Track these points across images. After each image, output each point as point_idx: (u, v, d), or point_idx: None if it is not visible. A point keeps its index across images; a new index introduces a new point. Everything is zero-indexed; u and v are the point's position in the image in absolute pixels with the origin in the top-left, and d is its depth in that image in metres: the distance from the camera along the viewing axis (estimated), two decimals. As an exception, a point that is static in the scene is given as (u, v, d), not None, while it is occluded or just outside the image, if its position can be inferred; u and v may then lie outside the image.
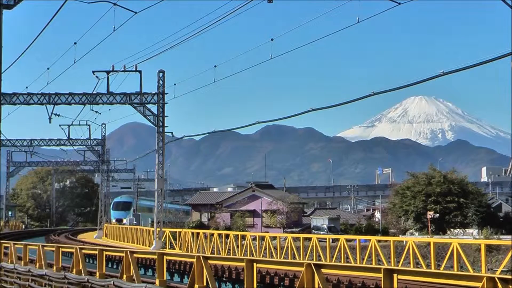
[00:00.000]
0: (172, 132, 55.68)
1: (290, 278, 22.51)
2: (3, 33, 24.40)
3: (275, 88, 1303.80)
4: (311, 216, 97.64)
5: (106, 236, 71.82)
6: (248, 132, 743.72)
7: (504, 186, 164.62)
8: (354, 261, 32.34)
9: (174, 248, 48.79)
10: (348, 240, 35.03)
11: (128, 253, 20.87)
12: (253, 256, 37.47)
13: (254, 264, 15.87)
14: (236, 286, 24.43)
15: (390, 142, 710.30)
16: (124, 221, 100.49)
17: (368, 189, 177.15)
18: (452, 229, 72.31)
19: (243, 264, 15.98)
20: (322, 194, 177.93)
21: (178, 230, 53.76)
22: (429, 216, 69.28)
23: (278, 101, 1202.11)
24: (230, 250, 41.20)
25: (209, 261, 17.45)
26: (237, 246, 41.00)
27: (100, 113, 58.53)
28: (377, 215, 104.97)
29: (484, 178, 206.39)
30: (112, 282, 19.27)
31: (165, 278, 19.59)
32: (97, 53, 47.32)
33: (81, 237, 72.64)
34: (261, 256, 37.14)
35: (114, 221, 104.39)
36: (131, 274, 20.51)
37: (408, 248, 30.44)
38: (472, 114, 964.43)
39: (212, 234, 46.45)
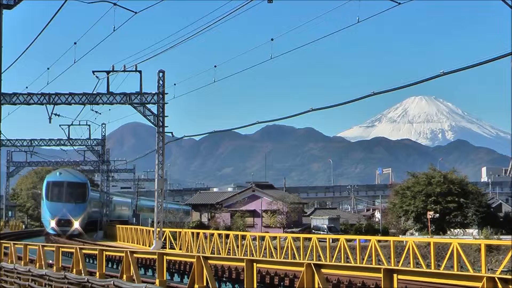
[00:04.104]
0: (172, 132, 55.68)
1: (290, 278, 22.50)
2: (3, 33, 24.40)
3: (275, 88, 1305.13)
4: (311, 216, 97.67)
5: (106, 237, 71.80)
6: (248, 132, 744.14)
7: (504, 186, 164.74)
8: (354, 261, 32.33)
9: (174, 248, 48.77)
10: (348, 240, 35.02)
11: (128, 253, 20.87)
12: (253, 256, 37.47)
13: (254, 264, 15.86)
14: (236, 286, 24.43)
15: (390, 142, 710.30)
16: (75, 225, 61.06)
17: (368, 189, 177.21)
18: (452, 229, 72.29)
19: (243, 264, 15.97)
20: (322, 194, 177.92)
21: (178, 230, 53.73)
22: (429, 216, 69.25)
23: (278, 101, 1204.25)
24: (230, 250, 41.20)
25: (209, 261, 17.44)
26: (237, 246, 41.00)
27: (100, 113, 58.52)
28: (377, 215, 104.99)
29: (484, 178, 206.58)
30: (112, 282, 19.26)
31: (165, 278, 19.58)
32: (97, 53, 47.34)
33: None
34: (261, 256, 37.14)
35: (51, 226, 62.00)
36: (131, 274, 20.50)
37: (408, 248, 30.43)
38: (472, 114, 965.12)
39: (212, 234, 46.44)
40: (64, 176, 63.49)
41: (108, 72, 50.30)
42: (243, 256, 35.36)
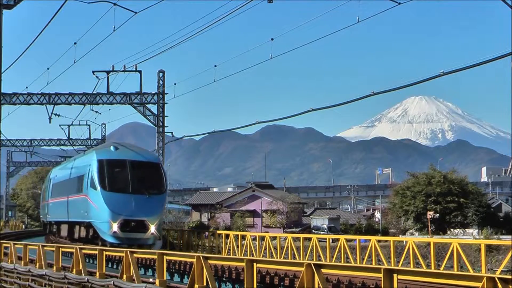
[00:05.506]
0: (172, 132, 55.73)
1: (290, 278, 22.47)
2: (3, 33, 24.43)
3: (275, 88, 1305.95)
4: (311, 216, 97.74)
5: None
6: (248, 132, 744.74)
7: (504, 186, 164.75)
8: (354, 261, 32.32)
9: (174, 249, 48.74)
10: (348, 240, 35.00)
11: (128, 253, 20.85)
12: (253, 256, 37.46)
13: (254, 264, 15.84)
14: (236, 286, 24.41)
15: (390, 142, 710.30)
16: (152, 230, 37.34)
17: (368, 189, 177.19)
18: (452, 229, 72.36)
19: (243, 264, 15.96)
20: (322, 194, 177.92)
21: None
22: (429, 216, 69.29)
23: (278, 101, 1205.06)
24: (230, 250, 41.19)
25: (209, 261, 17.43)
26: (237, 246, 40.99)
27: (100, 113, 58.45)
28: (377, 215, 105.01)
29: (484, 178, 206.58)
30: (112, 282, 19.26)
31: (165, 278, 19.57)
32: (97, 53, 47.38)
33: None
34: (261, 256, 37.13)
35: (113, 230, 37.13)
36: (131, 274, 20.49)
37: (408, 248, 30.41)
38: (472, 114, 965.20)
39: (213, 234, 46.51)
40: (125, 153, 39.77)
41: (108, 72, 50.34)
42: (243, 256, 35.35)
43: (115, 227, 36.67)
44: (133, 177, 37.75)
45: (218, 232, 48.24)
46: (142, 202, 37.36)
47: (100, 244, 35.44)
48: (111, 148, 39.93)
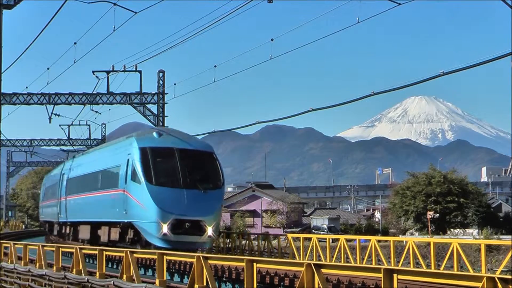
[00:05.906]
0: (172, 133, 55.59)
1: (290, 278, 22.45)
2: (3, 33, 24.45)
3: (275, 88, 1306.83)
4: (311, 216, 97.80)
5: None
6: (248, 132, 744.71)
7: (504, 186, 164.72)
8: (354, 261, 32.32)
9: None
10: (348, 240, 34.98)
11: (128, 253, 20.85)
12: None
13: (254, 264, 15.84)
14: (236, 286, 24.40)
15: (390, 142, 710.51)
16: (209, 232, 31.34)
17: (368, 189, 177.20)
18: (452, 229, 72.38)
19: (243, 264, 15.96)
20: (322, 194, 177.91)
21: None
22: (429, 216, 69.34)
23: (278, 101, 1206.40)
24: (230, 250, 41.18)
25: (209, 261, 17.43)
26: (237, 246, 40.97)
27: (100, 113, 58.44)
28: (377, 215, 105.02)
29: (484, 178, 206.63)
30: (112, 282, 19.27)
31: (165, 278, 19.56)
32: (97, 53, 47.40)
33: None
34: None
35: (162, 232, 30.67)
36: (131, 274, 20.49)
37: (408, 248, 30.40)
38: (472, 114, 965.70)
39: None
40: (171, 140, 33.36)
41: (108, 72, 50.28)
42: (243, 256, 35.34)
43: (165, 228, 30.50)
44: (184, 169, 31.79)
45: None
46: (197, 198, 31.52)
47: (140, 249, 29.91)
48: (154, 134, 33.50)
